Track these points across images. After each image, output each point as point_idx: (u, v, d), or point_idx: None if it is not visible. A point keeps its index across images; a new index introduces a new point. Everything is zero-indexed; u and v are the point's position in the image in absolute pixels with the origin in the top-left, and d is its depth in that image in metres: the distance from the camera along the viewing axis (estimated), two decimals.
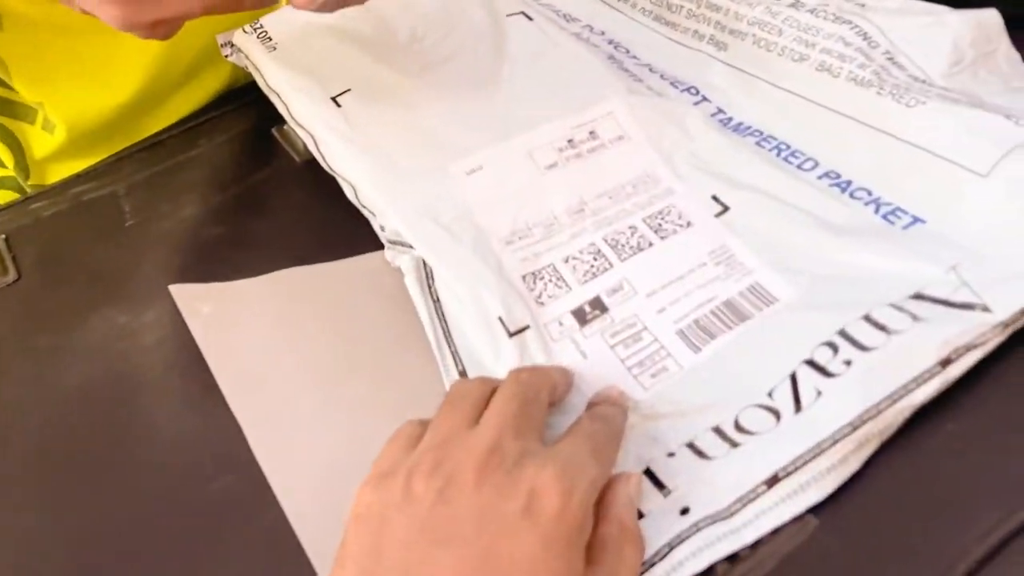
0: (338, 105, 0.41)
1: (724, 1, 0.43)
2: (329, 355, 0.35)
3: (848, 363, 0.29)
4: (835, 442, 0.27)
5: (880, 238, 0.33)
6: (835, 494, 0.27)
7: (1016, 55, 0.38)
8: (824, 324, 0.30)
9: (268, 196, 0.42)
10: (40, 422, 0.34)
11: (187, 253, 0.39)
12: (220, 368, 0.35)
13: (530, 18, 0.45)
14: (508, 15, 0.45)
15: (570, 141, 0.39)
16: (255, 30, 0.44)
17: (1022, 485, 0.26)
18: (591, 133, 0.39)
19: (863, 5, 0.41)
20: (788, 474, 0.27)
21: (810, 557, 0.25)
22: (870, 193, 0.35)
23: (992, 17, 0.37)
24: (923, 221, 0.33)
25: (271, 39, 0.44)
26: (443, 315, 0.34)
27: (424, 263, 0.36)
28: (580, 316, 0.34)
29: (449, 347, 0.33)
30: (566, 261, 0.36)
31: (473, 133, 0.39)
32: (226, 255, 0.39)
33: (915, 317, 0.29)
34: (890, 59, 0.37)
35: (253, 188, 0.42)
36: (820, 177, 0.36)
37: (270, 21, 0.45)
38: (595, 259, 0.36)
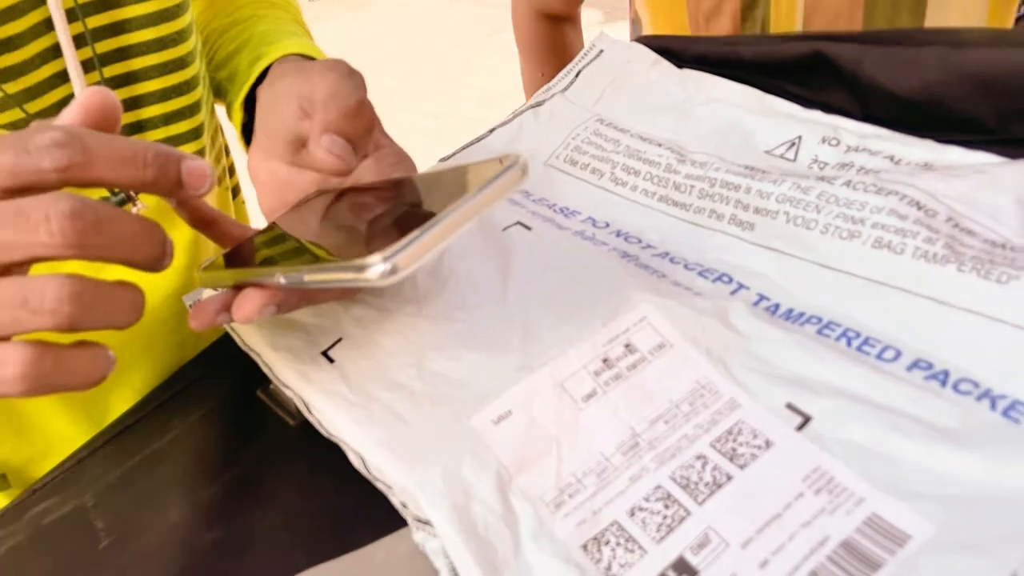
0: (331, 360, 0.35)
1: (741, 180, 0.39)
2: None
3: None
4: None
5: (1011, 443, 0.27)
6: None
7: None
8: (988, 571, 0.24)
9: (264, 479, 0.35)
10: None
11: (180, 572, 0.32)
12: None
13: (528, 227, 0.40)
14: (504, 228, 0.40)
15: (605, 361, 0.33)
16: None
17: None
18: (627, 347, 0.34)
19: (897, 162, 0.37)
20: None
21: None
22: (977, 385, 0.29)
23: None
24: None
25: None
26: None
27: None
28: None
29: None
30: (632, 514, 0.29)
31: (492, 372, 0.33)
32: (226, 567, 0.32)
33: None
34: (956, 226, 0.32)
35: (245, 472, 0.35)
36: (909, 369, 0.30)
37: None
38: (666, 506, 0.29)
